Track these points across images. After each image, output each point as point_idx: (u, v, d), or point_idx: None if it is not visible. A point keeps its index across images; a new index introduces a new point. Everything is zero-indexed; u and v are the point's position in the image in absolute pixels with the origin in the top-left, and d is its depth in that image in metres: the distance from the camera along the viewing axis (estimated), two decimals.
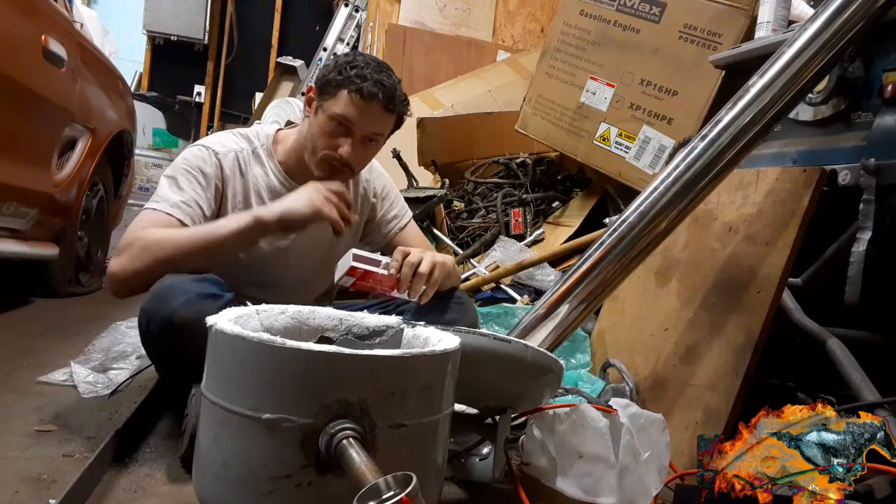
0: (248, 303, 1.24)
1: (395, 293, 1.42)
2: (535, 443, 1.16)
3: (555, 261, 2.48)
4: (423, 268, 1.38)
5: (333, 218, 1.34)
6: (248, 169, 1.50)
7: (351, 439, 0.80)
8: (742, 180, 1.56)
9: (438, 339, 1.03)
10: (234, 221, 1.35)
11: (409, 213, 1.72)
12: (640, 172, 2.47)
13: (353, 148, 1.42)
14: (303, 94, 4.95)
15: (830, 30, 1.31)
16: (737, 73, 1.82)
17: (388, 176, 1.73)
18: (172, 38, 5.98)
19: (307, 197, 1.34)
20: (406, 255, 1.39)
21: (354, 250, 1.39)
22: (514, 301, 2.28)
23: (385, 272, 1.39)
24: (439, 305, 1.49)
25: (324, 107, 1.42)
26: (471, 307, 1.59)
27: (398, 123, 1.49)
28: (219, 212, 1.48)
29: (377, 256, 1.41)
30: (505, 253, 2.58)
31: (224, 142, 1.52)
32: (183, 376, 1.27)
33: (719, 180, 1.39)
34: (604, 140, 2.58)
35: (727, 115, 1.36)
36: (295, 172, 1.52)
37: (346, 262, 1.38)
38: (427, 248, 1.70)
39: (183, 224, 1.37)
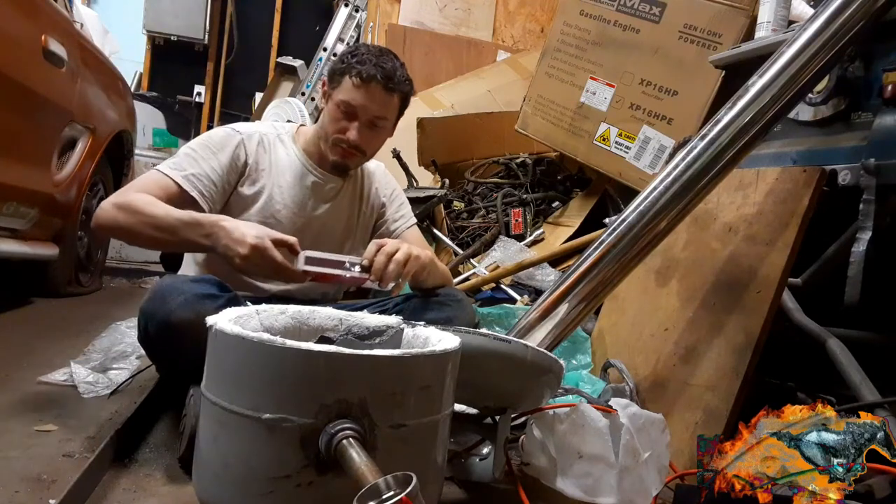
0: (248, 302, 1.25)
1: (367, 284, 1.40)
2: (535, 443, 1.16)
3: (555, 261, 2.48)
4: (400, 255, 1.37)
5: (272, 259, 1.28)
6: (272, 149, 1.60)
7: (351, 439, 0.80)
8: (742, 180, 1.56)
9: (438, 339, 1.03)
10: (196, 229, 1.34)
11: (414, 219, 1.81)
12: (640, 172, 2.47)
13: (359, 132, 1.51)
14: (302, 94, 4.98)
15: (830, 30, 1.31)
16: (737, 73, 1.82)
17: (396, 182, 1.83)
18: (172, 38, 5.96)
19: (253, 234, 1.29)
20: (381, 245, 1.39)
21: (308, 253, 1.33)
22: (514, 301, 2.28)
23: (349, 273, 1.35)
24: (435, 303, 1.50)
25: (332, 95, 1.53)
26: (468, 304, 1.60)
27: (403, 104, 1.56)
28: (237, 184, 1.54)
29: (340, 257, 1.37)
30: (505, 253, 2.58)
31: (247, 126, 1.61)
32: (182, 376, 1.27)
33: (719, 180, 1.39)
34: (604, 140, 2.58)
35: (727, 115, 1.36)
36: (315, 158, 1.61)
37: (299, 265, 1.33)
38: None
39: (185, 193, 1.43)
